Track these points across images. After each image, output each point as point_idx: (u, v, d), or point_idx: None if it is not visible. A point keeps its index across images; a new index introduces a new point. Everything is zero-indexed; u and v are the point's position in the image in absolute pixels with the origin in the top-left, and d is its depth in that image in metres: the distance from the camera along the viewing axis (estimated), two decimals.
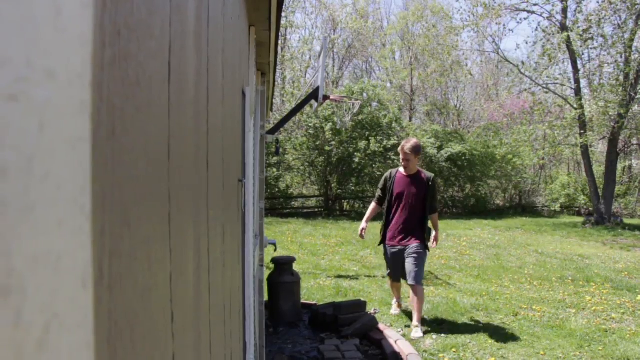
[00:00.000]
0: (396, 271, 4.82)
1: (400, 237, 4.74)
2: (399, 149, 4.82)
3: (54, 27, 0.22)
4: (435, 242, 4.84)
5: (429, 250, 4.81)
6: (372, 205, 5.14)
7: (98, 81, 0.31)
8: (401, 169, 4.84)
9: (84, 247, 0.26)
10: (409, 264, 4.63)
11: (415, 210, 4.74)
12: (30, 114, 0.20)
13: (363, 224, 5.06)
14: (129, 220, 0.41)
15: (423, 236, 4.71)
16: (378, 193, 5.04)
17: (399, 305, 5.06)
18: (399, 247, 4.73)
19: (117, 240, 0.37)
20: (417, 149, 4.71)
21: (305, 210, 15.99)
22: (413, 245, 4.66)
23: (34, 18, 0.20)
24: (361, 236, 5.01)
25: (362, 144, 16.11)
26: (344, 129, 15.54)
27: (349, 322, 4.44)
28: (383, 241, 4.92)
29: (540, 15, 15.73)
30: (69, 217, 0.24)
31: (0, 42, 0.18)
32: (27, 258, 0.20)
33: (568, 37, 14.36)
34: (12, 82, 0.19)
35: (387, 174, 5.00)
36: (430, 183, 4.76)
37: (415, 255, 4.63)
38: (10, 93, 0.18)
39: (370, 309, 5.01)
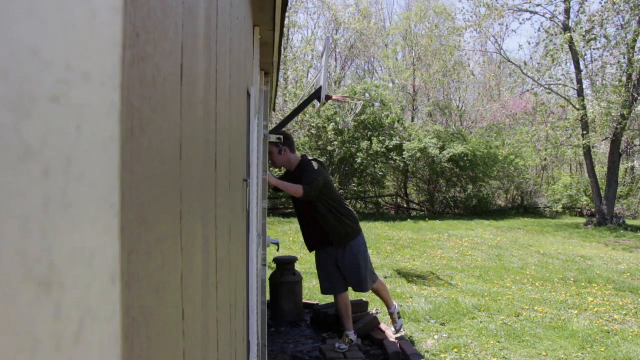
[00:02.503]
0: (335, 279, 4.03)
1: (321, 245, 4.05)
2: None
3: (89, 30, 0.22)
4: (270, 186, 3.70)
5: (352, 239, 3.95)
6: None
7: (120, 82, 0.31)
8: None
9: (113, 244, 0.27)
10: (349, 275, 3.99)
11: (312, 214, 3.91)
12: (69, 115, 0.21)
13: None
14: (145, 219, 0.42)
15: (341, 234, 3.92)
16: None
17: (349, 342, 3.98)
18: (325, 254, 4.06)
19: (135, 237, 0.38)
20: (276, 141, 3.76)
21: None
22: (339, 253, 3.98)
23: (73, 22, 0.21)
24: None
25: (364, 144, 16.13)
26: (346, 129, 15.55)
27: None
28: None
29: (543, 16, 15.74)
30: (101, 215, 0.25)
31: (45, 45, 0.19)
32: (65, 253, 0.20)
33: (571, 37, 14.35)
34: (55, 84, 0.19)
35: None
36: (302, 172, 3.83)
37: (349, 265, 3.96)
38: (53, 95, 0.19)
39: (371, 309, 5.02)
